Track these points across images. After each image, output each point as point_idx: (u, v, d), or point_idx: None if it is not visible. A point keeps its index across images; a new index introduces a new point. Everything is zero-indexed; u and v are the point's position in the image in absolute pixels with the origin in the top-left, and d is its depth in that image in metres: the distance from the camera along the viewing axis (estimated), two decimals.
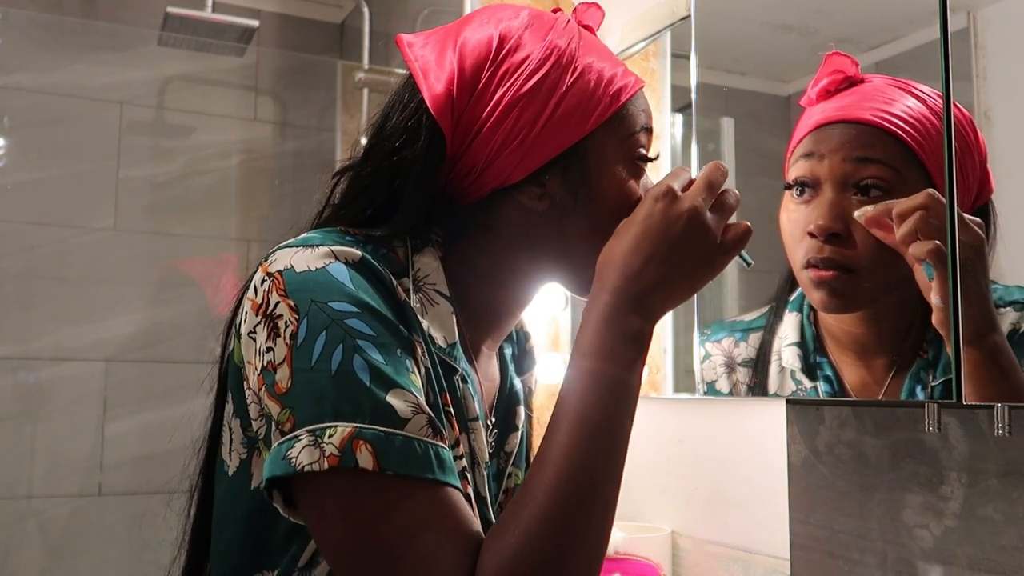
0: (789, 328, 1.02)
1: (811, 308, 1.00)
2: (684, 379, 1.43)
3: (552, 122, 0.70)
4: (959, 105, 0.85)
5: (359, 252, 0.65)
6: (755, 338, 1.07)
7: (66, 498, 2.18)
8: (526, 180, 0.71)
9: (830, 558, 1.07)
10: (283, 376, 0.62)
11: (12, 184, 2.22)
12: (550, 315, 1.69)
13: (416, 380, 0.63)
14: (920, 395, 0.89)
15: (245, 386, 0.67)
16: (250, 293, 0.66)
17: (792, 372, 1.01)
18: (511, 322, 0.79)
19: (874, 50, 0.97)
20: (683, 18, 1.38)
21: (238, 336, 0.68)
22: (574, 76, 0.71)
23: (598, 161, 0.72)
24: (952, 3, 0.85)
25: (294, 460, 0.59)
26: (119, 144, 2.31)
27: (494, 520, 0.72)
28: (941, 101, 0.85)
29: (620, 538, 1.30)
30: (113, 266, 2.28)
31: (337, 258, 0.65)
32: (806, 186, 0.95)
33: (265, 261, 0.67)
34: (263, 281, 0.65)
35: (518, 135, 0.70)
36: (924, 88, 0.89)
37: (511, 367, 0.86)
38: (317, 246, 0.65)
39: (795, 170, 0.97)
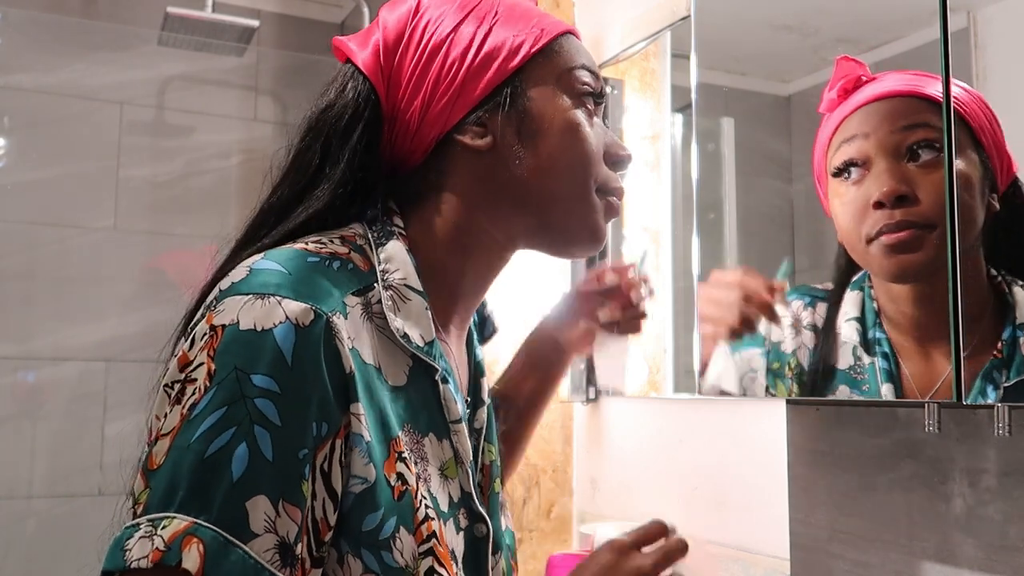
0: (850, 305, 0.99)
1: (871, 287, 0.98)
2: (684, 379, 1.43)
3: (481, 57, 0.71)
4: (968, 89, 0.84)
5: (320, 315, 0.60)
6: (822, 307, 1.04)
7: (66, 498, 2.18)
8: (465, 119, 0.72)
9: (830, 558, 1.07)
10: (160, 450, 0.57)
11: (12, 184, 2.22)
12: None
13: (305, 489, 0.57)
14: (992, 396, 0.84)
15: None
16: (186, 344, 0.60)
17: (853, 347, 0.99)
18: (480, 295, 0.79)
19: (874, 50, 0.96)
20: (683, 18, 1.38)
21: (160, 382, 0.62)
22: (496, 14, 0.73)
23: (536, 93, 0.73)
24: (952, 3, 0.85)
25: (128, 553, 0.53)
26: (119, 144, 2.31)
27: (481, 511, 0.73)
28: (966, 85, 0.85)
29: None
30: (113, 266, 2.28)
31: (288, 319, 0.59)
32: (855, 166, 0.93)
33: (212, 310, 0.61)
34: (204, 335, 0.59)
35: (448, 74, 0.71)
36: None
37: (476, 337, 0.85)
38: (271, 296, 0.60)
39: (840, 155, 0.95)
